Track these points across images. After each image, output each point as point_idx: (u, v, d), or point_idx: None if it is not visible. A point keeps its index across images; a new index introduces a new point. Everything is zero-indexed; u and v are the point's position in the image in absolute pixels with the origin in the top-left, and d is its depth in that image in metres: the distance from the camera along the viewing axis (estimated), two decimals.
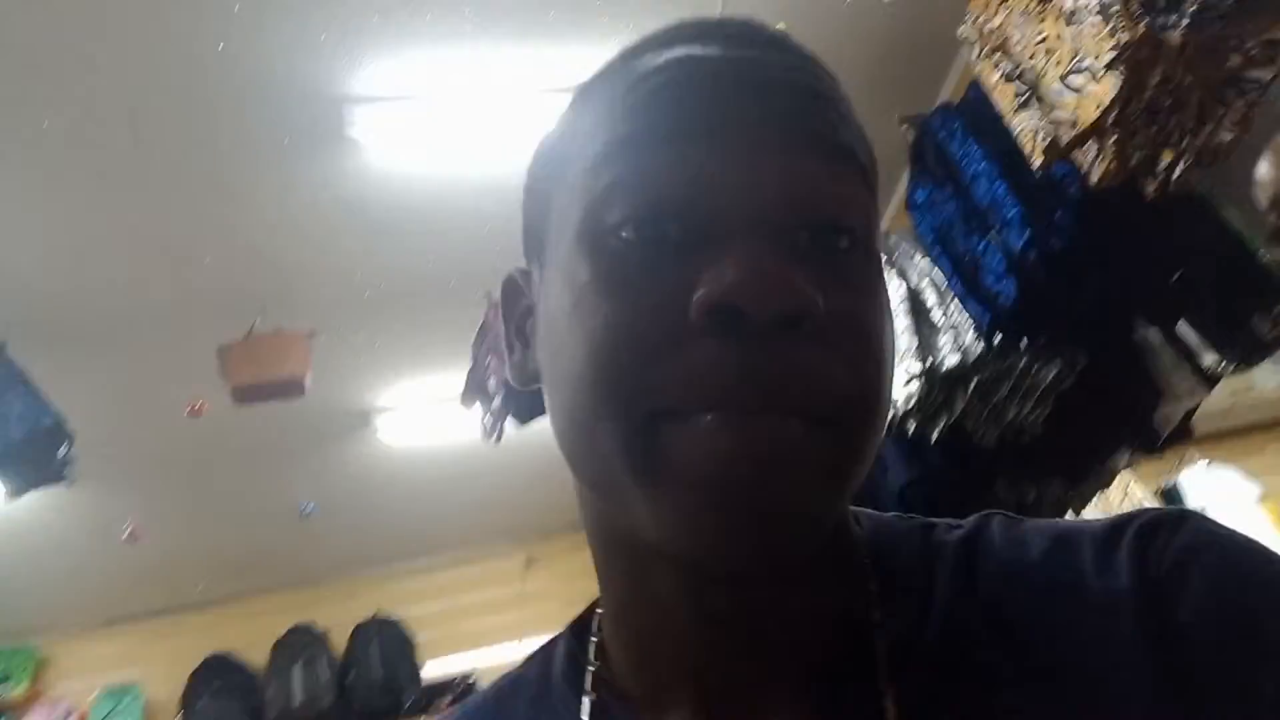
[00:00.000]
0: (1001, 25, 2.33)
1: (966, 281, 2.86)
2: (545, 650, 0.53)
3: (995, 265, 2.71)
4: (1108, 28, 1.92)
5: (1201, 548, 0.41)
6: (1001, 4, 2.31)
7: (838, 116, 0.42)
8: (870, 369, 0.40)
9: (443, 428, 3.85)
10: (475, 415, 3.40)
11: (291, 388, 2.97)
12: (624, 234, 0.40)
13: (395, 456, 4.04)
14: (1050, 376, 2.96)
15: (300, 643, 4.33)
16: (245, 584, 4.59)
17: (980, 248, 2.71)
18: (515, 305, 0.49)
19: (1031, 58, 2.26)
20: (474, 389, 3.22)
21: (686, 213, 0.39)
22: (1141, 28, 1.90)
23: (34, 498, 3.36)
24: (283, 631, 4.45)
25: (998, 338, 2.86)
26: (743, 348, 0.36)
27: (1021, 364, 2.91)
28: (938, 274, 3.06)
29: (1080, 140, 2.21)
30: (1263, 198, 1.13)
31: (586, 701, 0.47)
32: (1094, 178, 2.26)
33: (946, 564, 0.46)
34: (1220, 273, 2.44)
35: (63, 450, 2.77)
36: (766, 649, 0.44)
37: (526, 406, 3.06)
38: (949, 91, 2.98)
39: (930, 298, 3.13)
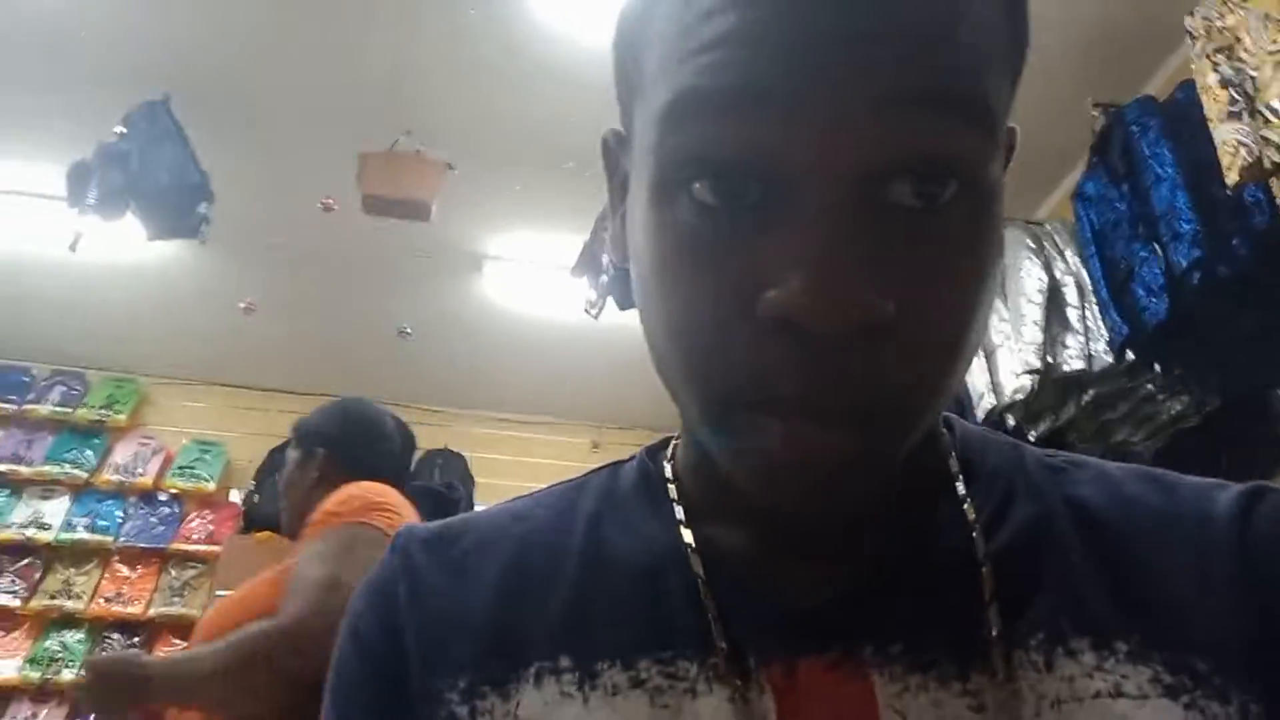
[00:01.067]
0: (1234, 25, 2.11)
1: (1115, 288, 2.68)
2: (610, 469, 0.54)
3: (1151, 278, 2.52)
4: None
5: None
6: (1243, 3, 2.09)
7: (948, 47, 0.35)
8: (946, 359, 0.38)
9: (546, 293, 3.91)
10: (579, 289, 3.44)
11: (419, 209, 3.05)
12: (699, 196, 0.37)
13: (495, 305, 4.14)
14: (1174, 410, 2.78)
15: None
16: (334, 386, 4.84)
17: (1141, 255, 2.53)
18: (615, 170, 0.49)
19: (1257, 68, 2.05)
20: (586, 262, 3.24)
21: (769, 173, 0.36)
22: None
23: (168, 249, 3.60)
24: None
25: (1129, 355, 2.70)
26: (808, 357, 0.35)
27: (1147, 389, 2.75)
28: (1084, 275, 2.89)
29: None
30: None
31: (678, 510, 0.47)
32: None
33: (1037, 473, 0.47)
34: None
35: (202, 207, 2.93)
36: (848, 507, 0.43)
37: (629, 294, 3.07)
38: (1155, 87, 2.74)
39: (1071, 296, 2.95)
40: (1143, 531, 0.43)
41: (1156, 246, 2.50)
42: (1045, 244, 3.06)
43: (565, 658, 0.44)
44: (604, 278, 3.13)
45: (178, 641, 4.23)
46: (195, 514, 4.57)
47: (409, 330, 4.02)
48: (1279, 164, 1.99)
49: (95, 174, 2.80)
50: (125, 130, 2.83)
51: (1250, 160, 2.02)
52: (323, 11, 2.73)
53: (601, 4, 2.56)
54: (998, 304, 3.25)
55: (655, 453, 0.52)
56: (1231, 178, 2.08)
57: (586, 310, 3.33)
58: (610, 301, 3.15)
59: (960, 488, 0.45)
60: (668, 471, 0.50)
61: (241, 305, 4.03)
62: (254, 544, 4.29)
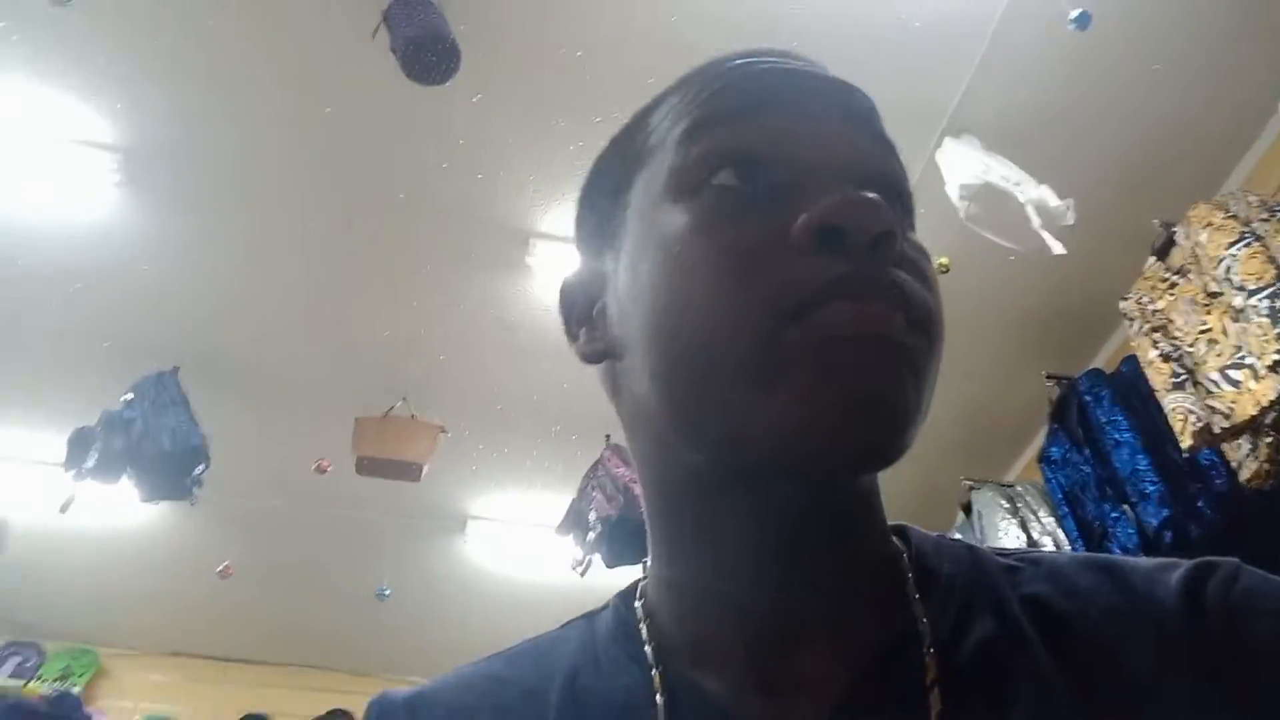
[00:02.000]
0: (1165, 309, 2.35)
1: (1091, 548, 2.75)
2: (586, 618, 0.54)
3: (1126, 538, 2.60)
4: (1275, 330, 1.92)
5: (1263, 584, 0.44)
6: (1169, 289, 2.34)
7: (878, 119, 0.49)
8: (937, 301, 0.44)
9: (530, 554, 3.91)
10: (565, 548, 3.45)
11: (411, 471, 3.13)
12: (720, 181, 0.44)
13: (478, 566, 4.11)
14: None
15: None
16: (302, 655, 4.66)
17: (1113, 516, 2.63)
18: (574, 302, 0.53)
19: (1192, 344, 2.26)
20: (572, 520, 3.29)
21: (780, 162, 0.44)
22: None
23: (150, 513, 3.61)
24: (323, 710, 4.45)
25: None
26: (847, 258, 0.40)
27: None
28: (1060, 534, 2.96)
29: (1234, 433, 2.16)
30: None
31: (648, 651, 0.48)
32: (1243, 475, 2.19)
33: (993, 575, 0.48)
34: None
35: (198, 469, 2.99)
36: (816, 605, 0.45)
37: (617, 550, 3.10)
38: (1103, 359, 2.97)
39: None
40: (1099, 624, 0.44)
41: (1126, 508, 2.60)
42: (1019, 504, 3.17)
43: None
44: (591, 535, 3.17)
45: None
46: None
47: (387, 591, 3.95)
48: (1227, 429, 2.14)
49: (98, 439, 2.88)
50: (132, 396, 2.95)
51: (1199, 426, 2.18)
52: (327, 286, 2.96)
53: None
54: None
55: (628, 597, 0.52)
56: (1186, 442, 2.23)
57: (573, 568, 3.33)
58: (597, 559, 3.17)
59: (916, 602, 0.46)
60: (639, 613, 0.50)
61: (219, 570, 3.96)
62: None
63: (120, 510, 3.61)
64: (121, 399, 2.96)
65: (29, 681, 4.33)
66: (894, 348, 0.40)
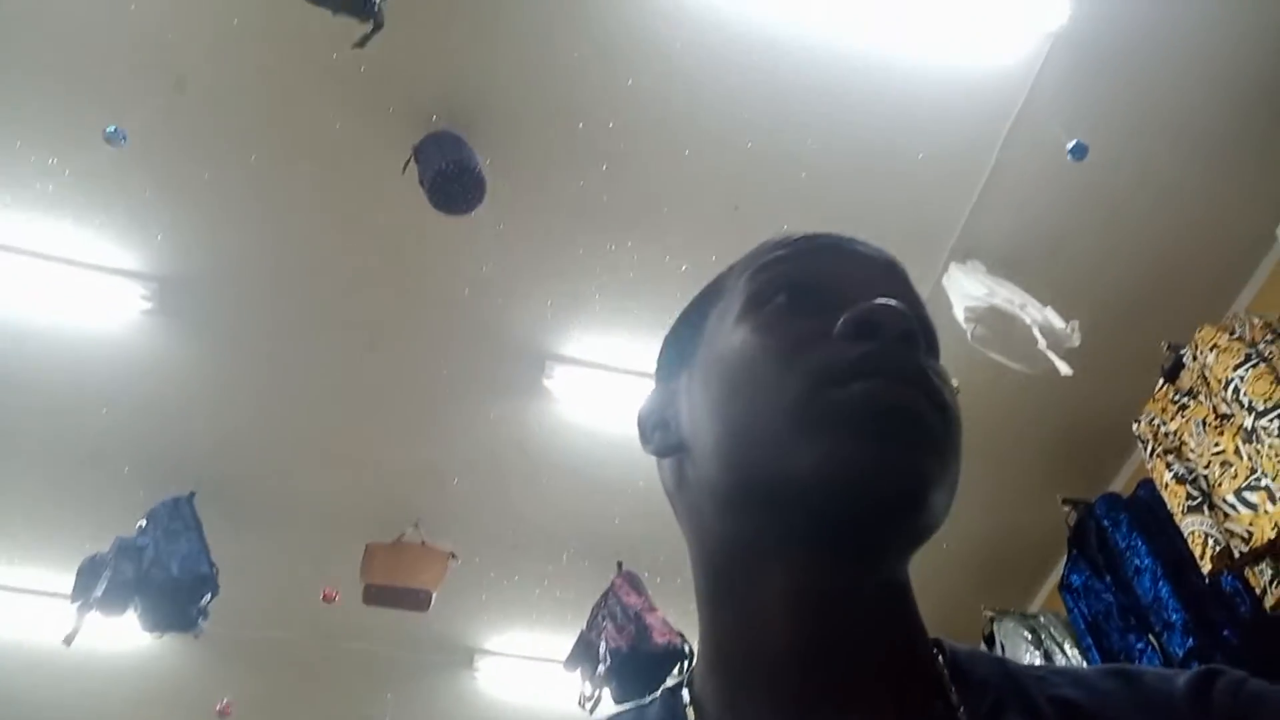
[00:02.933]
0: (1178, 430, 2.37)
1: None
2: (636, 708, 0.57)
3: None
4: None
5: (1269, 690, 0.48)
6: (1179, 411, 2.37)
7: (911, 282, 0.59)
8: (957, 409, 0.51)
9: (538, 688, 3.78)
10: (573, 683, 3.34)
11: (420, 599, 3.08)
12: (779, 300, 0.54)
13: (485, 705, 3.97)
14: None
15: None
16: None
17: (1138, 647, 2.56)
18: (650, 412, 0.62)
19: (1206, 466, 2.26)
20: (580, 652, 3.20)
21: (826, 288, 0.55)
22: None
23: (146, 647, 3.52)
24: None
25: None
26: (880, 348, 0.49)
27: None
28: (1084, 666, 2.87)
29: (1255, 558, 2.14)
30: None
31: (691, 712, 0.52)
32: (1268, 601, 2.16)
33: (1022, 679, 0.52)
34: None
35: (205, 600, 2.94)
36: (856, 689, 0.48)
37: (627, 684, 3.00)
38: (1121, 484, 2.97)
39: None
40: (1115, 716, 0.48)
41: (1151, 638, 2.54)
42: (1042, 635, 3.08)
43: None
44: (601, 668, 3.08)
45: None
46: None
47: None
48: (1246, 553, 2.12)
49: (108, 567, 2.85)
50: (146, 523, 2.94)
51: (1219, 549, 2.16)
52: (347, 410, 3.00)
53: (612, 404, 2.85)
54: None
55: (675, 687, 0.56)
56: (1206, 566, 2.20)
57: (581, 704, 3.21)
58: (606, 693, 3.07)
59: (954, 696, 0.50)
60: (685, 697, 0.54)
61: (217, 708, 3.84)
62: None
63: (122, 639, 3.53)
64: (137, 525, 2.95)
65: None
66: (921, 420, 0.48)
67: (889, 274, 0.57)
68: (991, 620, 3.27)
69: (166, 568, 2.85)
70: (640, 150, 2.33)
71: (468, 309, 2.68)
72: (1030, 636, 3.09)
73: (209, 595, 2.95)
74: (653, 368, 0.66)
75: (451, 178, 2.09)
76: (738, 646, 0.52)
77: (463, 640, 3.79)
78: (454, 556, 3.21)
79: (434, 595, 3.13)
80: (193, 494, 3.11)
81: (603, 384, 2.85)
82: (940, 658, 0.53)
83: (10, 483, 3.21)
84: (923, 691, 0.50)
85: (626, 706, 0.57)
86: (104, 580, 2.77)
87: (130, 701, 4.01)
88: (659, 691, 0.56)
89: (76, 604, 2.88)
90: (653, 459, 0.62)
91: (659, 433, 0.60)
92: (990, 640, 3.28)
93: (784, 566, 0.50)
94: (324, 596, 3.17)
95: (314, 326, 2.78)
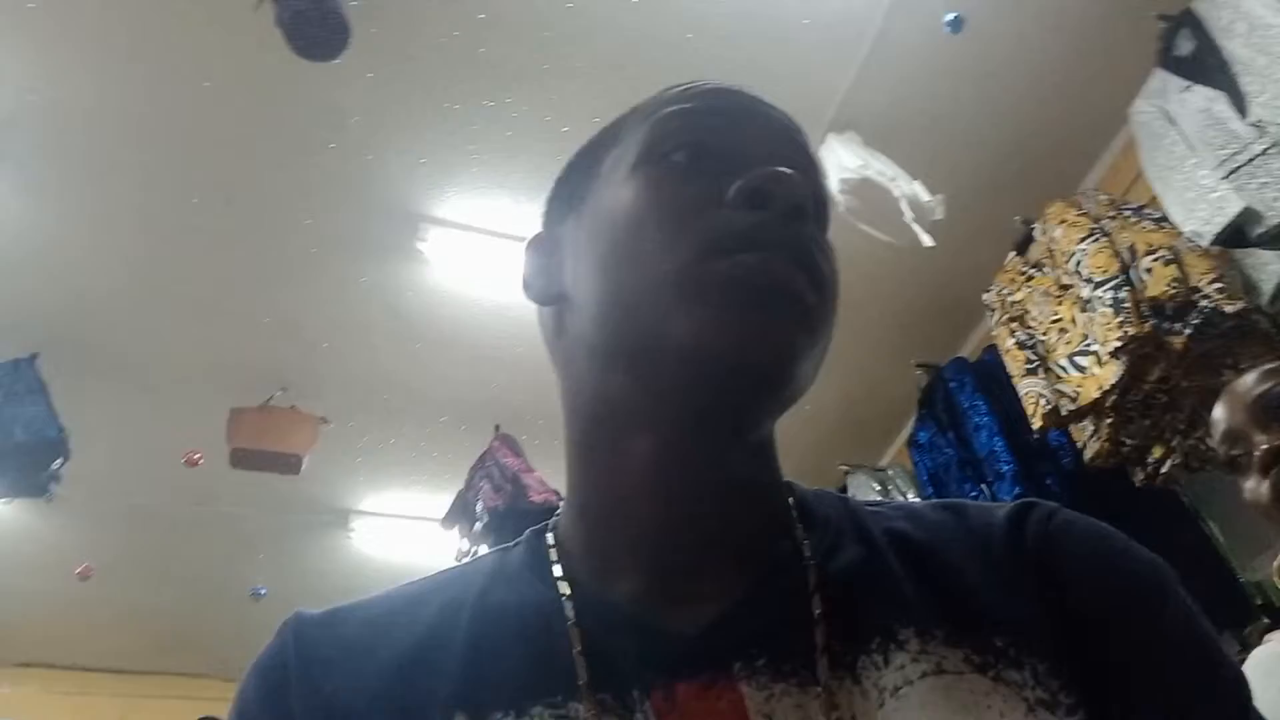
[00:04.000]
0: (1022, 300, 2.54)
1: None
2: (499, 551, 0.58)
3: None
4: (1117, 319, 2.10)
5: (1078, 519, 0.53)
6: (1026, 281, 2.53)
7: (809, 144, 0.60)
8: (835, 281, 0.53)
9: (416, 546, 3.85)
10: (450, 540, 3.42)
11: (290, 463, 3.04)
12: (675, 158, 0.54)
13: (361, 563, 4.02)
14: None
15: None
16: (171, 662, 4.45)
17: (972, 495, 2.82)
18: (534, 256, 0.61)
19: (1045, 333, 2.45)
20: (458, 511, 3.26)
21: (725, 149, 0.54)
22: (1147, 327, 2.09)
23: (5, 512, 3.38)
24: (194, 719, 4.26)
25: None
26: (770, 218, 0.50)
27: None
28: None
29: (1079, 415, 2.35)
30: (1215, 435, 1.26)
31: (557, 569, 0.53)
32: (1087, 454, 2.39)
33: (861, 515, 0.56)
34: (1195, 580, 2.50)
35: (56, 464, 2.82)
36: (715, 529, 0.52)
37: (504, 541, 3.09)
38: (969, 350, 3.18)
39: None
40: (944, 545, 0.52)
41: (984, 486, 2.80)
42: (889, 487, 3.35)
43: (460, 715, 0.47)
44: (478, 525, 3.15)
45: None
46: None
47: (263, 591, 3.82)
48: (1073, 411, 2.33)
49: None
50: None
51: (1049, 408, 2.37)
52: (203, 268, 2.83)
53: (490, 269, 2.80)
54: None
55: (539, 531, 0.57)
56: (1036, 423, 2.41)
57: (458, 560, 3.30)
58: (484, 550, 3.15)
59: (799, 530, 0.54)
60: (550, 540, 0.56)
61: (77, 571, 3.74)
62: None
63: None
64: None
65: None
66: (799, 298, 0.49)
67: (790, 139, 0.57)
68: (845, 474, 3.52)
69: (9, 432, 2.70)
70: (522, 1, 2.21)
71: (333, 164, 2.54)
72: (878, 488, 3.35)
73: (59, 460, 2.82)
74: (531, 232, 0.64)
75: (312, 20, 1.93)
76: (603, 499, 0.54)
77: (338, 501, 3.79)
78: (325, 421, 3.16)
79: (305, 459, 3.10)
80: (35, 355, 2.92)
81: (479, 248, 2.78)
82: (791, 500, 0.56)
83: None
84: (772, 532, 0.54)
85: (490, 551, 0.59)
86: None
87: None
88: (525, 536, 0.58)
89: None
90: (531, 327, 0.62)
91: (541, 279, 0.59)
92: (843, 491, 3.54)
93: (652, 430, 0.52)
94: (186, 460, 3.09)
95: (165, 179, 2.58)
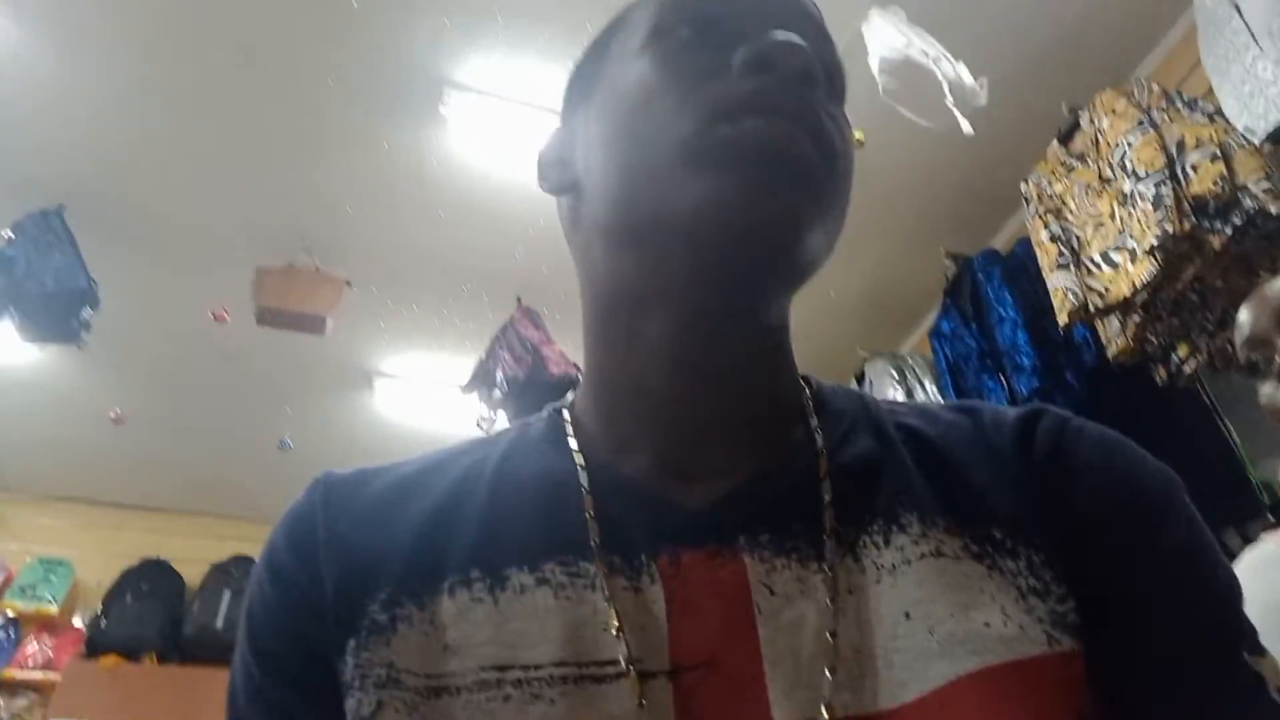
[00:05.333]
0: (1061, 192, 2.47)
1: None
2: (520, 424, 0.60)
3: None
4: (1156, 216, 2.05)
5: (1089, 427, 0.54)
6: (1067, 173, 2.45)
7: (823, 21, 0.57)
8: (847, 152, 0.52)
9: (436, 410, 3.94)
10: (471, 406, 3.49)
11: (315, 323, 3.08)
12: (681, 33, 0.53)
13: (385, 421, 4.13)
14: None
15: (238, 572, 4.37)
16: (202, 503, 4.65)
17: (989, 386, 2.82)
18: (549, 149, 0.61)
19: (1081, 227, 2.39)
20: (479, 378, 3.32)
21: (732, 22, 0.53)
22: (1187, 225, 2.03)
23: (38, 356, 3.47)
24: (225, 557, 4.49)
25: None
26: (776, 83, 0.49)
27: None
28: (941, 401, 3.16)
29: (1106, 311, 2.32)
30: (1238, 339, 1.26)
31: (573, 443, 0.55)
32: (1111, 351, 2.37)
33: (875, 410, 0.58)
34: (1207, 477, 2.52)
35: (85, 313, 2.87)
36: (727, 409, 0.53)
37: (522, 410, 3.16)
38: (998, 242, 3.11)
39: None
40: (954, 443, 0.54)
41: (1002, 378, 2.80)
42: (907, 374, 3.36)
43: (476, 570, 0.49)
44: (497, 393, 3.21)
45: None
46: (34, 637, 4.21)
47: (290, 443, 3.94)
48: (1100, 308, 2.30)
49: None
50: (14, 236, 2.78)
51: (1076, 304, 2.34)
52: (225, 128, 2.80)
53: (514, 138, 2.74)
54: None
55: (558, 407, 0.59)
56: (1062, 319, 2.39)
57: (479, 425, 3.38)
58: (503, 416, 3.23)
59: (813, 420, 0.55)
60: (567, 416, 0.58)
61: (111, 415, 3.87)
62: (98, 670, 3.98)
63: (5, 351, 3.46)
64: (2, 235, 2.78)
65: None
66: (803, 161, 0.48)
67: (800, 10, 0.55)
68: (864, 360, 3.53)
69: (41, 280, 2.74)
70: None
71: (355, 23, 2.46)
72: (897, 375, 3.36)
73: (88, 308, 2.88)
74: (558, 104, 0.63)
75: None
76: (619, 379, 0.55)
77: (362, 363, 3.85)
78: (349, 284, 3.18)
79: (329, 321, 3.13)
80: (61, 206, 2.93)
81: (504, 115, 2.71)
82: (807, 391, 0.58)
83: None
84: (786, 420, 0.55)
85: (512, 425, 0.61)
86: None
87: (27, 413, 4.01)
88: (544, 411, 0.59)
89: None
90: (554, 201, 0.62)
91: (555, 170, 0.59)
92: (860, 378, 3.56)
93: (664, 308, 0.52)
94: (214, 316, 3.13)
95: (184, 33, 2.51)
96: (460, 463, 0.56)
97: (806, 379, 0.59)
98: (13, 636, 4.19)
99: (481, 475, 0.54)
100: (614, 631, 0.46)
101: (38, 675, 4.09)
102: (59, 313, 2.89)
